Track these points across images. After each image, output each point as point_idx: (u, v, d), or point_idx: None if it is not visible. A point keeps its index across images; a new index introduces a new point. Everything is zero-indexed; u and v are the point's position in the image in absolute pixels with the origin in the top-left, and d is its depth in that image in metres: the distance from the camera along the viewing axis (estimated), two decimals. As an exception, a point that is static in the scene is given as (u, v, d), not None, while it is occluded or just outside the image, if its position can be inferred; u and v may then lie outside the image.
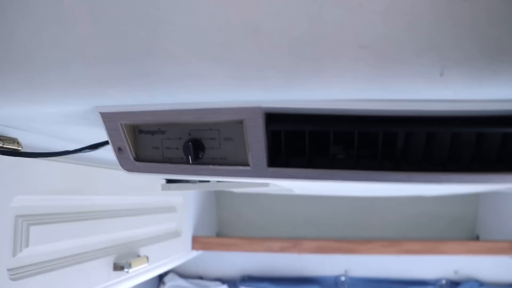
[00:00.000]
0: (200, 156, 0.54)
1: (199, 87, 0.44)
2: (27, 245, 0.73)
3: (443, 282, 1.85)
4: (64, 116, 0.58)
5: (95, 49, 0.45)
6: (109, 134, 0.54)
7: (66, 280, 0.83)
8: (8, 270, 0.70)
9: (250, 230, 2.03)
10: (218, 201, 2.07)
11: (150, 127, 0.55)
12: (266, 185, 0.61)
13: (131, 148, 0.55)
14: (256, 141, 0.51)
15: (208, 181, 0.62)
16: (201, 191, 1.80)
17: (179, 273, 2.05)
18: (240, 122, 0.51)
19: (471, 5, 0.36)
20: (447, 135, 0.48)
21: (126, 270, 1.02)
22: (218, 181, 0.62)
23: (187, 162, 0.54)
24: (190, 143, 0.52)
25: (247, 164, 0.53)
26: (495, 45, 0.36)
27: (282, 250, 1.68)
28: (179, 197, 1.45)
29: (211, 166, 0.54)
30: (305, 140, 0.51)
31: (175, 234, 1.43)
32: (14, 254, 0.72)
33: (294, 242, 1.67)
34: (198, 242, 1.63)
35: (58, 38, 0.45)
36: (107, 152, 1.03)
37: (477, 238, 1.89)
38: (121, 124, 0.53)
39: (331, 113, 0.48)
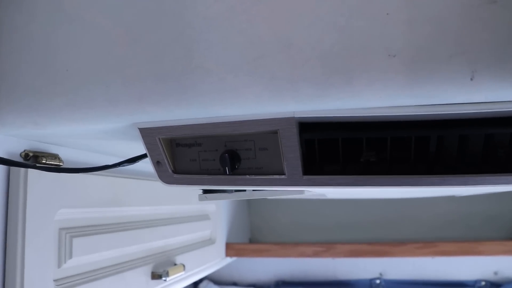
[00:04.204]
0: (236, 166, 0.55)
1: (234, 101, 0.45)
2: (70, 257, 0.76)
3: (482, 283, 1.81)
4: (104, 133, 0.60)
5: (134, 69, 0.47)
6: (148, 149, 0.57)
7: (108, 290, 0.86)
8: (54, 280, 0.73)
9: (283, 235, 2.04)
10: (250, 207, 2.09)
11: (187, 140, 0.57)
12: (302, 192, 0.62)
13: (169, 161, 0.57)
14: (291, 150, 0.52)
15: (244, 190, 0.64)
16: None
17: (214, 280, 2.07)
18: (275, 132, 0.52)
19: (498, 8, 0.37)
20: (480, 137, 0.48)
21: (163, 278, 1.04)
22: (254, 190, 0.63)
23: (224, 173, 0.55)
24: (227, 155, 0.54)
25: (282, 173, 0.54)
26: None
27: (316, 254, 1.68)
28: (212, 205, 1.48)
29: (248, 176, 0.55)
30: (338, 148, 0.52)
31: (210, 241, 1.45)
32: (59, 266, 0.75)
33: (327, 246, 1.67)
34: (231, 248, 1.64)
35: (98, 60, 0.48)
36: (144, 164, 1.07)
37: (515, 237, 1.85)
38: (159, 139, 0.55)
39: (363, 120, 0.49)
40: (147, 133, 0.55)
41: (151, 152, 0.57)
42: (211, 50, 0.44)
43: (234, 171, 0.55)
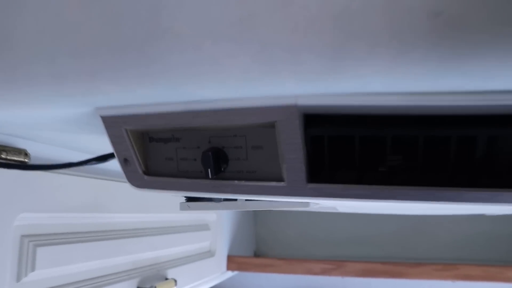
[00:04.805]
0: (222, 169, 0.43)
1: (212, 77, 0.33)
2: (33, 269, 0.65)
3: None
4: (64, 122, 0.49)
5: (84, 35, 0.35)
6: (113, 142, 0.45)
7: (81, 308, 0.74)
8: (12, 298, 0.62)
9: (290, 249, 1.91)
10: (256, 217, 1.96)
11: (162, 133, 0.45)
12: (306, 205, 0.50)
13: (140, 159, 0.46)
14: (292, 150, 0.40)
15: (235, 200, 0.52)
16: (237, 207, 1.70)
17: (215, 293, 1.96)
18: (272, 125, 0.40)
19: None
20: None
21: (151, 294, 0.93)
22: (247, 200, 0.51)
23: (207, 177, 0.44)
24: (210, 153, 0.42)
25: (281, 180, 0.42)
26: None
27: (324, 272, 1.55)
28: (213, 214, 1.35)
29: (236, 182, 0.43)
30: (354, 148, 0.40)
31: (209, 254, 1.33)
32: (18, 279, 0.63)
33: (337, 263, 1.54)
34: (233, 262, 1.52)
35: (41, 25, 0.36)
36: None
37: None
38: (126, 130, 0.44)
39: (388, 112, 0.36)
40: (111, 123, 0.44)
41: (117, 147, 0.45)
42: (183, 9, 0.32)
43: (219, 174, 0.43)
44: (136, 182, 0.46)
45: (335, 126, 0.40)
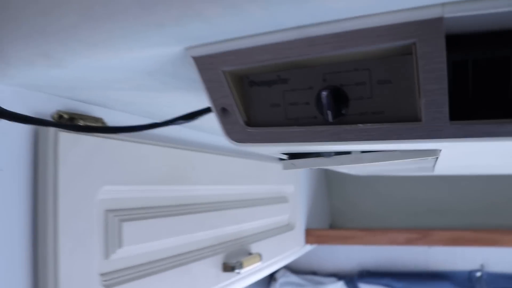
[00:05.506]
0: (342, 112, 0.36)
1: None
2: (120, 245, 0.60)
3: None
4: (147, 73, 0.43)
5: None
6: (208, 89, 0.38)
7: (169, 285, 0.69)
8: (100, 275, 0.58)
9: (366, 220, 1.82)
10: (331, 188, 1.87)
11: (265, 74, 0.37)
12: (435, 153, 0.41)
13: (241, 107, 0.38)
14: (434, 79, 0.32)
15: (349, 153, 0.44)
16: (313, 177, 1.62)
17: (291, 268, 1.90)
18: (405, 51, 0.32)
19: None
20: None
21: (237, 270, 0.87)
22: (362, 152, 0.43)
23: (324, 122, 0.36)
24: (327, 93, 0.34)
25: (416, 119, 0.34)
26: None
27: (409, 242, 1.45)
28: (291, 185, 1.28)
29: (361, 126, 0.35)
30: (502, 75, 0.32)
31: (288, 227, 1.26)
32: (106, 256, 0.59)
33: (423, 232, 1.44)
34: (312, 235, 1.45)
35: None
36: (210, 136, 0.89)
37: None
38: (223, 72, 0.36)
39: None
40: (206, 64, 0.36)
41: (213, 94, 0.38)
42: None
43: (338, 118, 0.35)
44: (236, 136, 0.39)
45: (484, 47, 0.31)
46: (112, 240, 0.60)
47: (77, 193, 0.54)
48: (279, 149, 0.41)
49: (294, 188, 1.30)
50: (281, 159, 0.48)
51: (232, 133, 0.39)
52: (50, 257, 0.51)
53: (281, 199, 1.21)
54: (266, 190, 1.13)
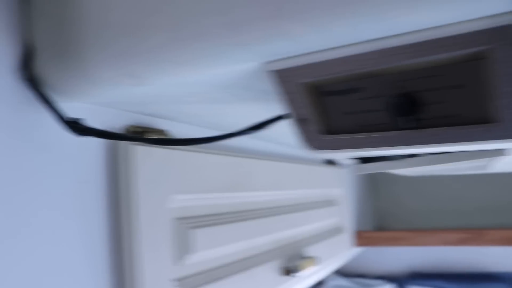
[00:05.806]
0: (415, 117, 0.37)
1: None
2: (188, 252, 0.63)
3: None
4: (221, 87, 0.45)
5: None
6: (287, 100, 0.40)
7: (235, 290, 0.71)
8: (171, 280, 0.60)
9: (413, 220, 1.80)
10: (377, 190, 1.86)
11: (338, 84, 0.39)
12: (508, 152, 0.42)
13: (317, 116, 0.40)
14: (511, 81, 0.33)
15: (415, 156, 0.45)
16: (358, 179, 1.62)
17: (339, 271, 1.90)
18: (478, 56, 0.33)
19: None
20: None
21: (293, 274, 0.89)
22: (433, 154, 0.44)
23: (397, 128, 0.37)
24: (402, 99, 0.36)
25: (493, 120, 0.35)
26: None
27: (461, 242, 1.43)
28: (338, 188, 1.29)
29: (436, 129, 0.37)
30: None
31: (337, 230, 1.27)
32: (176, 262, 0.62)
33: (475, 232, 1.41)
34: (361, 237, 1.45)
35: None
36: (264, 143, 0.91)
37: None
38: (301, 84, 0.38)
39: None
40: (283, 77, 0.39)
41: (293, 105, 0.40)
42: None
43: (412, 123, 0.37)
44: (315, 143, 0.41)
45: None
46: (181, 247, 0.62)
47: (151, 203, 0.57)
48: (353, 154, 0.42)
49: (341, 191, 1.31)
50: (352, 164, 0.49)
51: (311, 141, 0.41)
52: (128, 264, 0.54)
53: (330, 202, 1.22)
54: (316, 194, 1.14)
